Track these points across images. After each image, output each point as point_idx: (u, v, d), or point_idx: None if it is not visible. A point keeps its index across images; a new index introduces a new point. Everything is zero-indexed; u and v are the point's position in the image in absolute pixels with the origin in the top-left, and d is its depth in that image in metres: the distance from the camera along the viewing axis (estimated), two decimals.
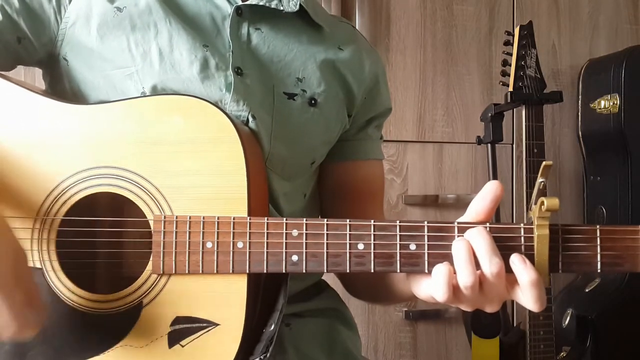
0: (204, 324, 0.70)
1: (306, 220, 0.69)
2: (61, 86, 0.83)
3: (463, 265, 0.64)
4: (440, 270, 0.65)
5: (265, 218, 0.69)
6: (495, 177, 1.71)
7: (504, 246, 0.65)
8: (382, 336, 1.85)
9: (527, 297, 0.64)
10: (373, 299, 1.00)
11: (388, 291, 0.84)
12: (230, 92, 0.80)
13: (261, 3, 0.84)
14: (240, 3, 0.84)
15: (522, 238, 0.66)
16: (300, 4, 0.85)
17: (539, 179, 0.64)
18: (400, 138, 1.87)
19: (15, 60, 0.83)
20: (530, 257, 0.65)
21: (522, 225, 0.66)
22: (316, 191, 0.99)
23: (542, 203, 0.63)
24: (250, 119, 0.80)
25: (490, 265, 0.63)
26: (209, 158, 0.71)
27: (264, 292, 0.76)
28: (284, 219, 0.69)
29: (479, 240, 0.64)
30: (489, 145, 1.71)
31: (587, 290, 1.79)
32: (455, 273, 0.65)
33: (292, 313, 0.91)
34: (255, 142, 0.80)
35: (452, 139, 1.91)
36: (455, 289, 0.65)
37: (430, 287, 0.67)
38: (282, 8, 0.85)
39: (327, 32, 0.91)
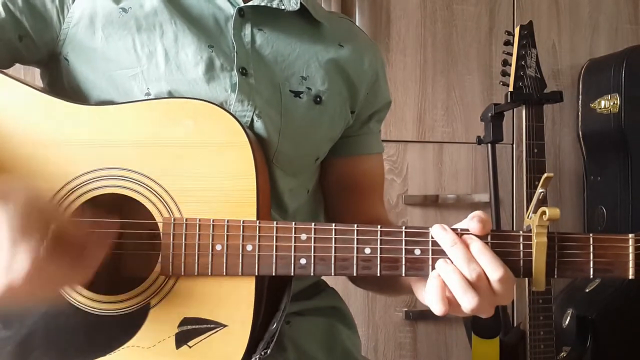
0: (212, 325, 0.71)
1: (315, 225, 0.70)
2: (60, 85, 0.83)
3: (461, 293, 0.66)
4: (433, 284, 0.68)
5: (275, 222, 0.70)
6: (495, 177, 1.72)
7: (504, 252, 0.68)
8: (382, 336, 1.85)
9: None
10: (378, 290, 1.01)
11: (391, 285, 0.86)
12: (235, 93, 0.80)
13: (263, 3, 0.84)
14: (242, 4, 0.84)
15: (521, 245, 0.69)
16: (300, 3, 0.86)
17: (539, 190, 0.67)
18: (400, 138, 1.87)
19: (14, 58, 0.83)
20: (529, 263, 0.69)
21: (521, 232, 0.70)
22: (318, 186, 1.00)
23: (544, 213, 0.66)
24: (255, 118, 0.81)
25: (492, 273, 0.66)
26: (218, 161, 0.72)
27: (269, 292, 0.77)
28: (293, 223, 0.70)
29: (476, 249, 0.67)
30: (489, 145, 1.72)
31: (587, 291, 1.79)
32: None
33: (292, 311, 0.92)
34: (259, 146, 0.80)
35: (452, 139, 1.91)
36: (452, 304, 0.67)
37: (427, 300, 0.69)
38: (283, 7, 0.85)
39: (327, 29, 0.92)
